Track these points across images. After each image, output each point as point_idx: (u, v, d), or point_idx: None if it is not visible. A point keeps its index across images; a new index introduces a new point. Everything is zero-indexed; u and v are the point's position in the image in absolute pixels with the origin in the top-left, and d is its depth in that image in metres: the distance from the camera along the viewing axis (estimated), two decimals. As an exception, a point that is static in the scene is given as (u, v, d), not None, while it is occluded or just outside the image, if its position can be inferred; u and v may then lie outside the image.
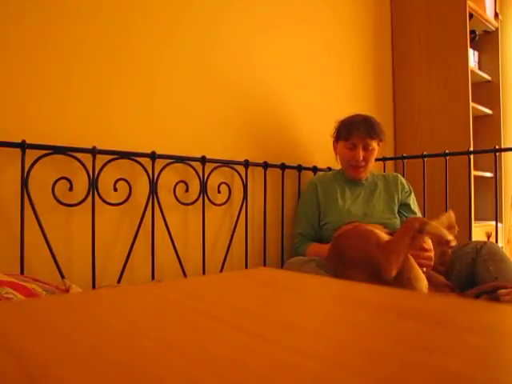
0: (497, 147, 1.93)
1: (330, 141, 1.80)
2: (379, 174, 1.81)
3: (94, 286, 1.31)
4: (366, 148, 1.65)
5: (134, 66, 1.46)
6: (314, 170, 1.98)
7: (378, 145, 1.69)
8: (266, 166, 1.77)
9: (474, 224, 1.98)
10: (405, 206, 1.74)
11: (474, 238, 1.94)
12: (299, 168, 1.92)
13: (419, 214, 1.77)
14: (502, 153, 2.43)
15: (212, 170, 1.62)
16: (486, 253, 1.42)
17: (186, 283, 0.50)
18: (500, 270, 1.35)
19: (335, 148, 1.77)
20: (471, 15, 2.39)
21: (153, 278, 1.45)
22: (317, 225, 1.71)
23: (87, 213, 1.32)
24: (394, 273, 1.14)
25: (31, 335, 0.29)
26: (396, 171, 2.37)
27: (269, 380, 0.21)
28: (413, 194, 1.79)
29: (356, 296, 0.43)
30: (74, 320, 0.33)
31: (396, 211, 1.70)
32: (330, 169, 2.03)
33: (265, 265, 1.77)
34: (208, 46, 1.67)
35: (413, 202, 1.78)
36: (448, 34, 2.34)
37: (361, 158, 1.64)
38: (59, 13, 1.30)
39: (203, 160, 1.58)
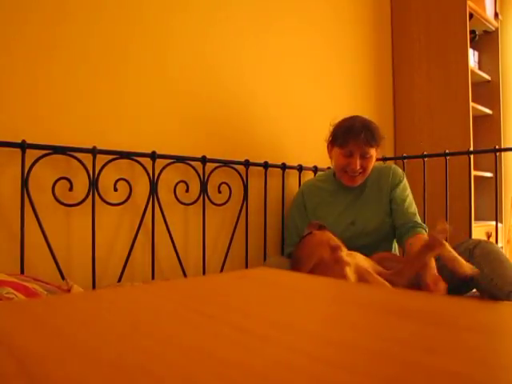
0: (497, 147, 1.93)
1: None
2: (374, 168, 1.62)
3: (94, 286, 1.31)
4: (364, 156, 1.52)
5: (134, 67, 1.46)
6: (315, 169, 1.98)
7: (376, 150, 1.56)
8: (266, 166, 1.77)
9: (473, 224, 1.98)
10: (393, 200, 1.58)
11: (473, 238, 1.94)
12: (300, 168, 1.92)
13: (408, 205, 1.58)
14: (502, 153, 2.43)
15: (212, 170, 1.62)
16: (479, 254, 1.33)
17: (186, 283, 0.50)
18: (494, 271, 1.28)
19: (329, 152, 1.64)
20: (471, 15, 2.39)
21: (153, 277, 1.45)
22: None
23: (87, 213, 1.32)
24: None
25: (31, 335, 0.29)
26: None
27: (269, 380, 0.21)
28: (402, 183, 1.61)
29: (356, 296, 0.43)
30: (74, 320, 0.33)
31: (389, 210, 1.59)
32: (329, 169, 2.03)
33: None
34: (208, 46, 1.67)
35: (401, 193, 1.58)
36: (448, 34, 2.34)
37: (358, 166, 1.51)
38: (60, 13, 1.30)
39: (203, 160, 1.58)
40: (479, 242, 1.40)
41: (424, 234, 1.49)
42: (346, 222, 1.57)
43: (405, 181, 1.63)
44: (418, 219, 1.56)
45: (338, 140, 1.54)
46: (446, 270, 1.42)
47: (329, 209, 1.61)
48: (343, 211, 1.60)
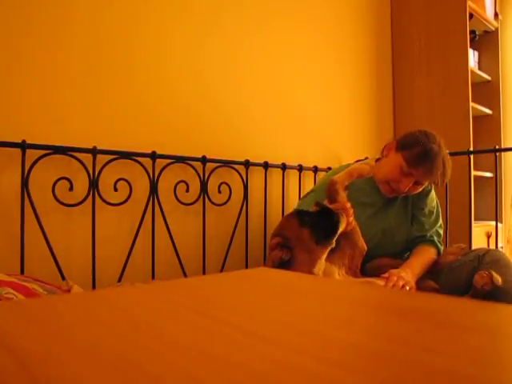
0: (497, 147, 1.93)
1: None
2: None
3: (94, 286, 1.31)
4: (418, 183, 1.41)
5: (134, 67, 1.46)
6: (315, 169, 1.98)
7: None
8: (266, 166, 1.77)
9: (473, 224, 1.98)
10: (418, 210, 1.53)
11: (473, 238, 1.94)
12: (300, 168, 1.92)
13: (433, 219, 1.54)
14: (502, 153, 2.43)
15: (212, 170, 1.62)
16: (489, 260, 1.35)
17: (186, 283, 0.50)
18: (504, 276, 1.28)
19: (388, 150, 1.47)
20: (471, 15, 2.39)
21: (153, 277, 1.45)
22: None
23: (87, 213, 1.32)
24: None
25: (31, 335, 0.29)
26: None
27: (269, 380, 0.21)
28: (431, 194, 1.55)
29: (356, 296, 0.43)
30: (74, 320, 0.33)
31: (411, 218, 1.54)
32: (330, 169, 2.03)
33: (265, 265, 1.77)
34: (208, 45, 1.67)
35: (429, 204, 1.53)
36: (448, 34, 2.34)
37: (406, 189, 1.40)
38: (60, 13, 1.30)
39: (203, 160, 1.58)
40: (489, 250, 1.43)
41: (430, 248, 1.48)
42: (376, 227, 1.48)
43: (432, 191, 1.57)
44: (435, 235, 1.53)
45: (409, 156, 1.37)
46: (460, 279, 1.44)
47: (360, 209, 1.42)
48: (374, 214, 1.48)
